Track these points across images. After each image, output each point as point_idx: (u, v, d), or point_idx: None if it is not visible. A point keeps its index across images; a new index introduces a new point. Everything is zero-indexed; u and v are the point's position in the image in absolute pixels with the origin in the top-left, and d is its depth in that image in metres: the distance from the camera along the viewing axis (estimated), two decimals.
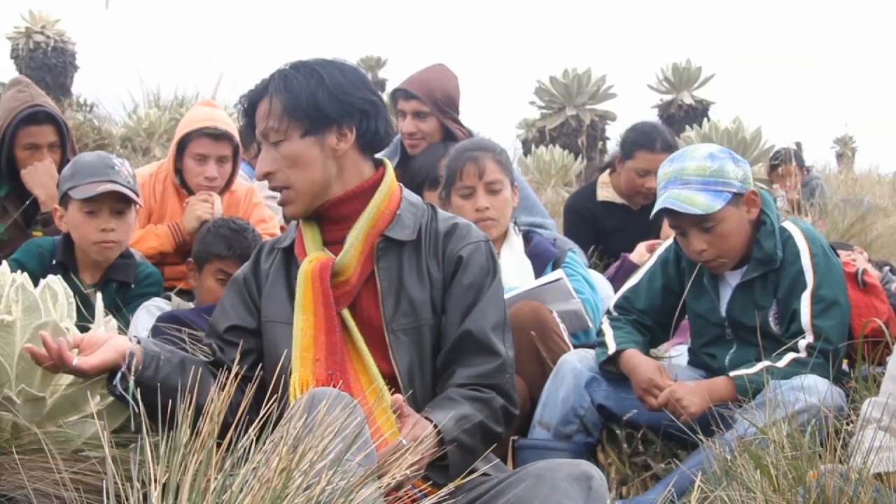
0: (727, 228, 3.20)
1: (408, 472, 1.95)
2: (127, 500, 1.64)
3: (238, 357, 2.29)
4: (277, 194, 2.58)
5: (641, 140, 5.09)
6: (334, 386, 2.22)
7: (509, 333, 2.57)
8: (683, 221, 3.23)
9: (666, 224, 4.81)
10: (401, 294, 2.51)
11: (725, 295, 3.32)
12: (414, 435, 2.14)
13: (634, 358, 3.25)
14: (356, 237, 2.52)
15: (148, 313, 3.68)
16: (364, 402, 2.29)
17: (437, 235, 2.58)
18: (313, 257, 2.54)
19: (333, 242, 2.56)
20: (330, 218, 2.57)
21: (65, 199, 3.78)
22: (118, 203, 3.73)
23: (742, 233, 3.23)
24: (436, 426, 2.26)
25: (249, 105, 2.58)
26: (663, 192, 3.25)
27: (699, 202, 3.16)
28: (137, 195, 3.81)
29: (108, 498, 1.63)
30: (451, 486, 1.92)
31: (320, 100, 2.50)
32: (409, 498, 2.05)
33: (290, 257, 2.62)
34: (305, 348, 2.48)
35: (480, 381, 2.44)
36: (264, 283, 2.63)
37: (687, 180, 3.20)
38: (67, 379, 2.60)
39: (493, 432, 2.42)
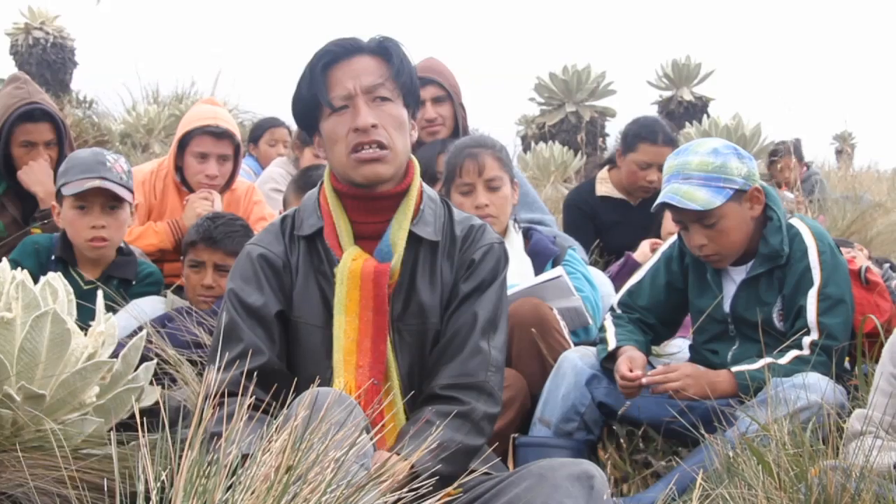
0: (728, 225, 3.20)
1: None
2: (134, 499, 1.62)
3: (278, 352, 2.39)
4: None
5: (644, 133, 5.10)
6: (374, 395, 2.24)
7: (498, 334, 2.49)
8: (685, 216, 3.24)
9: (666, 220, 4.86)
10: (411, 295, 2.46)
11: (730, 291, 3.32)
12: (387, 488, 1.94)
13: (626, 353, 3.25)
14: (402, 239, 2.45)
15: (125, 314, 3.59)
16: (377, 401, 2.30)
17: (454, 239, 2.53)
18: (357, 255, 2.43)
19: (364, 237, 2.47)
20: (369, 209, 2.47)
21: (59, 196, 3.79)
22: (109, 200, 3.73)
23: (744, 229, 3.23)
24: (412, 467, 2.12)
25: (333, 59, 2.42)
26: (666, 186, 3.26)
27: (699, 198, 3.17)
28: (132, 192, 3.81)
29: (109, 496, 1.63)
30: (449, 489, 1.89)
31: (413, 77, 2.47)
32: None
33: (313, 248, 2.51)
34: (349, 352, 2.39)
35: (461, 380, 2.39)
36: (296, 276, 2.49)
37: (689, 175, 3.21)
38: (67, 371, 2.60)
39: (475, 448, 2.36)
